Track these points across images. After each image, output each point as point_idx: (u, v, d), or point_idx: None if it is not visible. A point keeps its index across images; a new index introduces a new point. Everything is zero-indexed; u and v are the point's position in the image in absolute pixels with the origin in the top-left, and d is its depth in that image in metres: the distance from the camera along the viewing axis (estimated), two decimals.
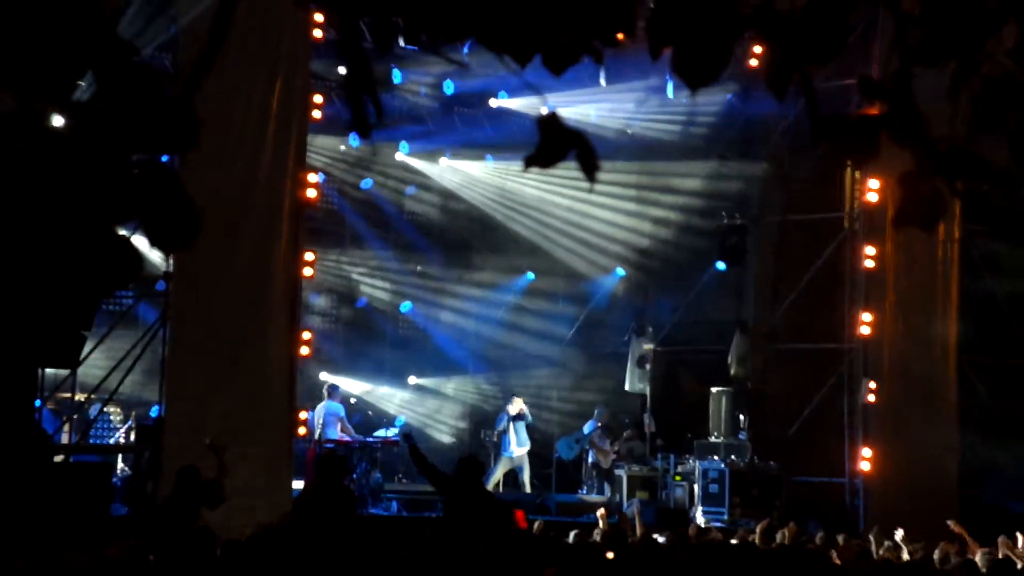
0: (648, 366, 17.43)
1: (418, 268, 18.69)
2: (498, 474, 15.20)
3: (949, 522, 10.24)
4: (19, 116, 2.12)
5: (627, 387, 17.61)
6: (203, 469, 8.97)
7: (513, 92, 17.01)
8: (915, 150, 2.32)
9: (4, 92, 2.12)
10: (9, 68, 2.08)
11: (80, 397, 12.64)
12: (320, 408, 14.78)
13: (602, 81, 15.90)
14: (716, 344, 16.85)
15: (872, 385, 14.78)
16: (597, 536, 9.03)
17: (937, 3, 2.22)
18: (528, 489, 15.57)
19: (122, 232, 2.17)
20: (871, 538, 9.63)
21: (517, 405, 15.63)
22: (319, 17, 12.18)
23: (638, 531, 9.63)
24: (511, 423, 15.44)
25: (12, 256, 2.38)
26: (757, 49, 11.74)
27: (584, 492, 16.09)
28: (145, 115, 2.09)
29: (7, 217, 2.16)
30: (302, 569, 6.73)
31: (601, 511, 11.19)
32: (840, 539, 9.91)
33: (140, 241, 2.32)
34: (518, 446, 15.46)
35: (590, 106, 16.85)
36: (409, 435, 10.77)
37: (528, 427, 17.03)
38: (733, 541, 9.35)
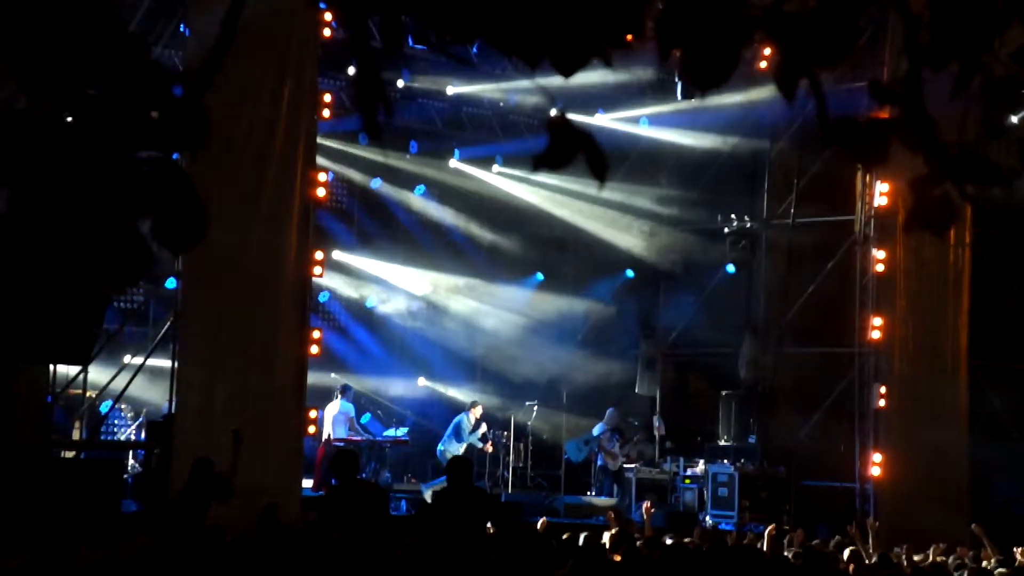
0: (658, 369, 17.41)
1: (428, 265, 18.70)
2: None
3: (973, 526, 10.19)
4: (30, 113, 2.13)
5: (637, 389, 17.58)
6: (215, 464, 9.00)
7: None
8: (925, 154, 2.31)
9: (15, 89, 2.13)
10: (20, 65, 2.09)
11: (91, 394, 12.69)
12: (331, 407, 14.80)
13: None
14: (726, 347, 16.82)
15: (882, 389, 14.73)
16: (606, 538, 9.02)
17: (946, 5, 2.21)
18: None
19: (133, 229, 2.18)
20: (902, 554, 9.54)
21: (477, 413, 15.06)
22: (328, 16, 12.21)
23: (646, 532, 9.61)
24: (467, 436, 14.90)
25: (23, 253, 2.39)
26: (767, 51, 11.72)
27: (593, 494, 16.07)
28: (155, 113, 2.10)
29: (18, 214, 2.17)
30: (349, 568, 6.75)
31: (611, 513, 11.16)
32: (848, 546, 9.88)
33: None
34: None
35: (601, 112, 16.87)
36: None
37: (535, 429, 17.03)
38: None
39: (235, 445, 9.01)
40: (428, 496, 14.20)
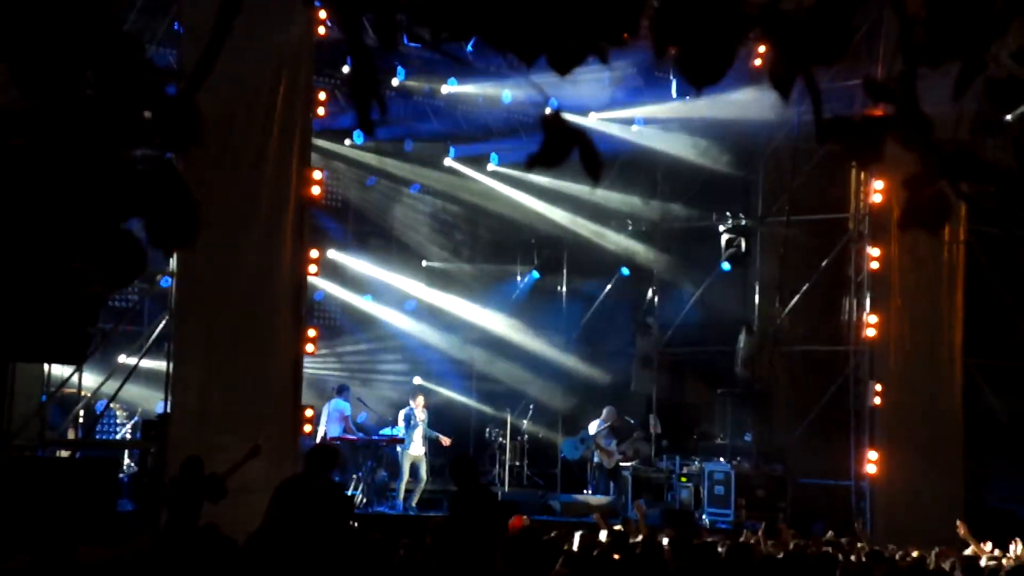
0: (653, 367, 17.42)
1: (423, 264, 18.71)
2: (407, 474, 14.42)
3: (959, 524, 10.21)
4: (24, 112, 2.12)
5: (633, 388, 17.60)
6: (208, 464, 8.99)
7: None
8: (921, 152, 2.31)
9: (9, 88, 2.12)
10: (14, 64, 2.08)
11: (86, 393, 12.67)
12: (327, 406, 14.79)
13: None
14: (722, 345, 16.83)
15: (878, 387, 14.75)
16: (603, 538, 9.01)
17: (942, 4, 2.21)
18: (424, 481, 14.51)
19: (126, 228, 2.17)
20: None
21: (420, 403, 14.86)
22: (323, 14, 12.19)
23: (641, 533, 9.62)
24: (417, 422, 14.55)
25: (18, 252, 2.38)
26: (761, 49, 11.72)
27: (589, 492, 16.08)
28: (148, 112, 2.09)
29: (12, 213, 2.16)
30: (284, 572, 6.65)
31: (596, 515, 11.14)
32: (844, 542, 9.91)
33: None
34: (421, 445, 14.52)
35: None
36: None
37: (530, 428, 17.03)
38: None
39: (247, 455, 8.97)
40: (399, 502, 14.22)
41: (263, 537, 7.00)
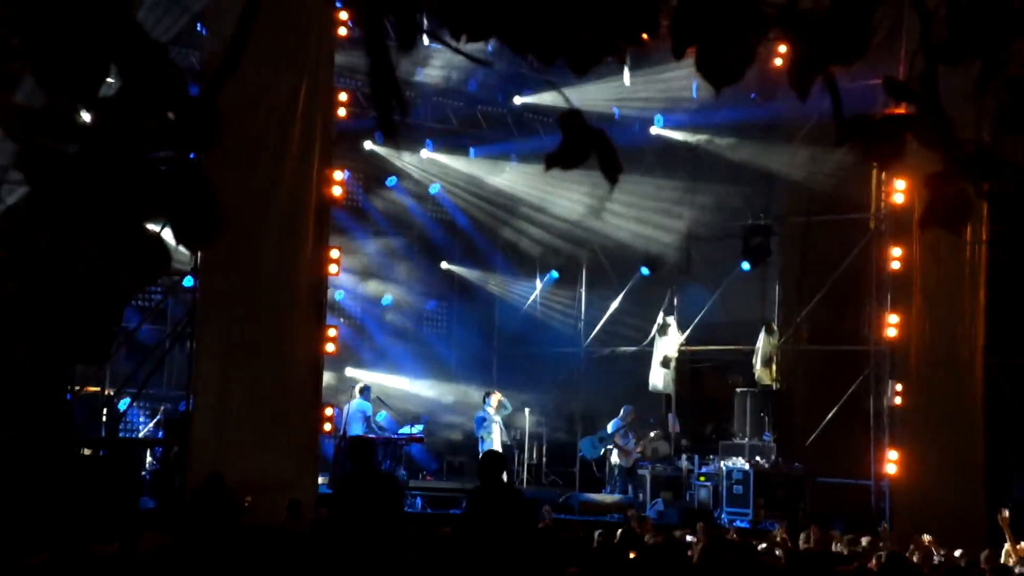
0: (672, 366, 17.38)
1: (443, 265, 18.74)
2: None
3: (1002, 512, 10.09)
4: (48, 113, 2.15)
5: (651, 387, 17.57)
6: (229, 462, 9.06)
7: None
8: (941, 151, 2.31)
9: (34, 89, 2.15)
10: (39, 64, 2.11)
11: (110, 391, 12.77)
12: (349, 406, 14.87)
13: (626, 81, 15.88)
14: (741, 345, 16.78)
15: (898, 387, 14.68)
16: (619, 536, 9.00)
17: (962, 3, 2.21)
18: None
19: (151, 228, 2.19)
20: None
21: (496, 398, 15.07)
22: (344, 15, 12.24)
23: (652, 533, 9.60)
24: (493, 422, 14.91)
25: (42, 251, 2.41)
26: (781, 49, 11.67)
27: (607, 491, 16.07)
28: (170, 113, 2.11)
29: (37, 213, 2.19)
30: (353, 561, 6.74)
31: (632, 511, 11.16)
32: (864, 541, 9.87)
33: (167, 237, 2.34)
34: (499, 445, 14.75)
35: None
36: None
37: (550, 426, 17.00)
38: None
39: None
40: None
41: (330, 528, 7.13)
